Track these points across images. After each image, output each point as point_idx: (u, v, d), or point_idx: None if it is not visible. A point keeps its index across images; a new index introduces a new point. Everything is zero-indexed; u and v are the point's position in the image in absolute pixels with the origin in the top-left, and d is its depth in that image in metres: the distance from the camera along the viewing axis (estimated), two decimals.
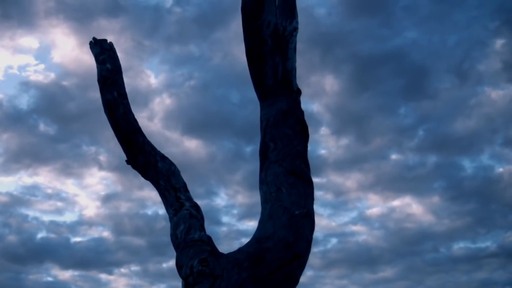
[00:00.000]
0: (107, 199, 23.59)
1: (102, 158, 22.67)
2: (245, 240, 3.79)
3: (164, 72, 24.32)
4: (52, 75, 23.71)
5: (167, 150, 4.51)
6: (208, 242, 3.72)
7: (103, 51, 4.33)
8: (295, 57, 4.42)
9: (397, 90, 22.79)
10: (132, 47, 21.97)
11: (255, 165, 4.10)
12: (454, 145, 22.72)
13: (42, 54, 25.56)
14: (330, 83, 22.98)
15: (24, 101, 25.18)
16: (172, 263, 3.79)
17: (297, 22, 4.54)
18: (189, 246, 3.69)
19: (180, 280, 3.66)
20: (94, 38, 4.42)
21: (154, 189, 4.34)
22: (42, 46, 24.37)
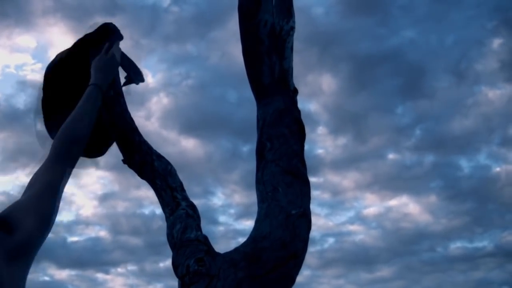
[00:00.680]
0: (104, 198, 23.59)
1: (99, 157, 22.63)
2: (242, 240, 3.79)
3: (161, 71, 24.33)
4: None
5: (164, 150, 4.50)
6: (204, 241, 3.71)
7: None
8: (292, 56, 4.41)
9: (394, 90, 22.86)
10: (129, 46, 21.92)
11: (252, 164, 4.10)
12: (451, 144, 22.79)
13: (40, 53, 25.51)
14: (327, 82, 23.02)
15: (21, 100, 25.14)
16: (168, 262, 3.79)
17: (294, 22, 4.54)
18: (185, 246, 3.69)
19: (177, 279, 3.65)
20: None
21: (151, 188, 4.33)
22: (40, 45, 24.35)
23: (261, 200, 3.85)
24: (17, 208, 2.43)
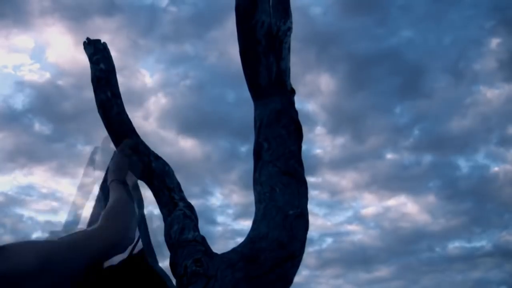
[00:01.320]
0: None
1: (98, 157, 22.61)
2: (240, 240, 3.79)
3: (159, 71, 24.32)
4: (47, 75, 23.65)
5: (162, 150, 4.51)
6: (202, 242, 3.72)
7: (97, 51, 4.32)
8: (289, 57, 4.41)
9: (392, 89, 22.87)
10: (127, 46, 21.95)
11: (251, 164, 4.10)
12: (450, 144, 22.81)
13: (37, 54, 25.49)
14: (325, 82, 23.02)
15: (19, 101, 25.12)
16: (167, 262, 3.79)
17: (291, 22, 4.54)
18: (183, 246, 3.69)
19: (174, 280, 3.65)
20: (87, 38, 4.41)
21: (149, 189, 4.33)
22: (37, 45, 24.32)
23: (258, 200, 3.85)
24: None
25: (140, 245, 3.50)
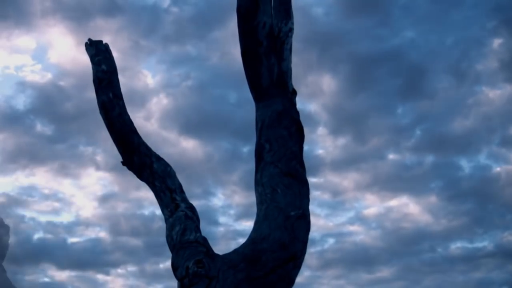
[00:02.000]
0: (104, 199, 23.72)
1: (99, 158, 22.75)
2: (242, 240, 3.81)
3: (161, 72, 24.52)
4: (49, 75, 23.86)
5: (164, 150, 4.52)
6: (203, 243, 3.72)
7: (98, 52, 4.34)
8: (291, 58, 4.43)
9: (394, 90, 22.97)
10: (129, 47, 22.04)
11: (252, 165, 4.11)
12: (452, 145, 22.94)
13: (39, 54, 25.78)
14: (327, 83, 23.11)
15: (21, 101, 25.34)
16: (169, 263, 3.80)
17: (292, 23, 4.55)
18: (184, 248, 3.70)
19: (177, 281, 3.66)
20: (89, 40, 4.42)
21: (151, 190, 4.34)
22: (39, 46, 24.57)
23: (260, 201, 3.86)
24: None
25: None
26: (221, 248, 3.78)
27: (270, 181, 3.85)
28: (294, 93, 4.33)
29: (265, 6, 4.04)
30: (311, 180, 4.00)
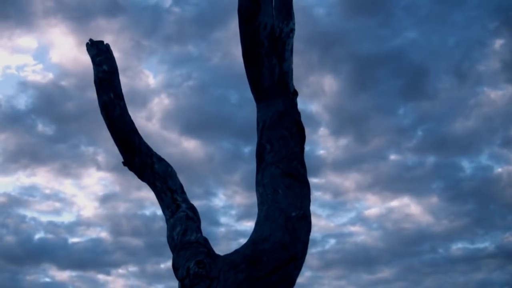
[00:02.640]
0: (105, 199, 23.60)
1: (100, 158, 22.67)
2: (243, 241, 3.80)
3: (162, 72, 24.34)
4: (50, 75, 23.71)
5: (165, 151, 4.52)
6: (204, 244, 3.72)
7: (99, 52, 4.34)
8: (292, 58, 4.42)
9: (396, 90, 22.83)
10: (130, 47, 21.98)
11: (254, 165, 4.10)
12: (453, 145, 22.77)
13: (40, 54, 25.56)
14: (329, 83, 23.01)
15: (22, 101, 25.20)
16: (170, 263, 3.80)
17: (293, 24, 4.55)
18: (185, 248, 3.70)
19: (177, 281, 3.66)
20: (90, 40, 4.43)
21: (152, 190, 4.34)
22: (41, 46, 24.37)
23: (261, 202, 3.86)
24: None
25: None
26: (222, 248, 3.77)
27: (271, 182, 3.85)
28: (295, 93, 4.33)
29: (266, 7, 4.04)
30: (312, 180, 3.99)
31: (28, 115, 22.23)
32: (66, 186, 24.50)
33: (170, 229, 3.97)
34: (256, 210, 3.93)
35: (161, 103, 23.16)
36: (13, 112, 22.15)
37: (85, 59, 4.47)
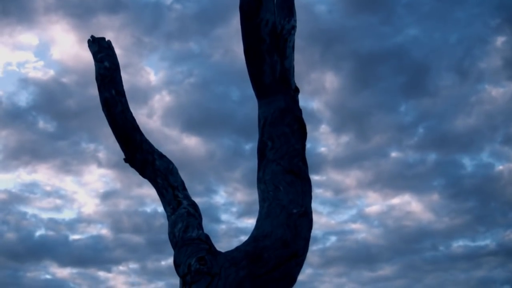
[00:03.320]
0: (106, 196, 23.62)
1: (101, 155, 22.67)
2: (244, 238, 3.80)
3: (163, 69, 24.34)
4: (52, 72, 23.70)
5: (166, 148, 4.53)
6: (205, 240, 3.72)
7: (101, 49, 4.34)
8: (293, 55, 4.42)
9: (397, 88, 22.80)
10: (131, 44, 21.97)
11: (255, 162, 4.10)
12: (454, 142, 22.74)
13: (42, 51, 25.60)
14: (330, 80, 22.99)
15: (23, 98, 25.23)
16: (171, 260, 3.79)
17: (295, 21, 4.54)
18: (187, 245, 3.69)
19: (178, 278, 3.66)
20: (92, 37, 4.42)
21: (153, 186, 4.34)
22: (42, 42, 24.39)
23: (262, 199, 3.86)
24: None
25: None
26: (223, 245, 3.77)
27: (272, 179, 3.85)
28: (296, 90, 4.32)
29: (268, 4, 4.03)
30: (314, 177, 4.00)
31: (29, 112, 22.25)
32: (67, 183, 24.54)
33: (172, 225, 3.97)
34: (257, 207, 3.94)
35: (162, 100, 23.18)
36: (14, 109, 22.18)
37: (87, 56, 4.47)
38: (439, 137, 22.69)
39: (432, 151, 23.50)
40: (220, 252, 3.66)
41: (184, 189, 4.23)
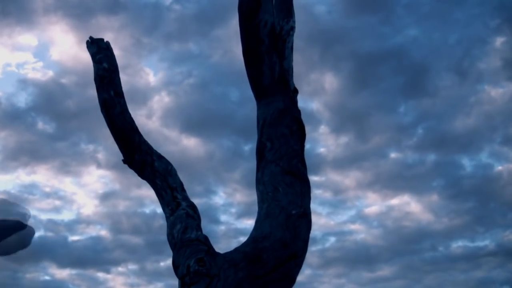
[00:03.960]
0: (105, 197, 23.62)
1: (100, 156, 22.66)
2: (243, 239, 3.80)
3: (163, 70, 24.36)
4: (51, 73, 23.70)
5: (165, 148, 4.53)
6: (204, 241, 3.71)
7: (100, 50, 4.33)
8: (292, 56, 4.42)
9: (396, 88, 22.82)
10: (131, 45, 21.98)
11: (254, 163, 4.10)
12: (454, 143, 22.76)
13: (41, 52, 25.62)
14: (329, 81, 23.00)
15: (22, 99, 25.26)
16: (170, 261, 3.79)
17: (294, 22, 4.55)
18: (185, 246, 3.69)
19: (177, 279, 3.65)
20: (91, 37, 4.42)
21: (152, 188, 4.33)
22: (41, 43, 24.41)
23: (261, 200, 3.86)
24: None
25: None
26: (222, 246, 3.77)
27: (271, 180, 3.84)
28: (295, 91, 4.32)
29: (266, 5, 4.03)
30: (313, 178, 4.00)
31: (28, 113, 22.23)
32: (66, 184, 24.54)
33: (170, 227, 3.97)
34: (256, 208, 3.93)
35: (161, 100, 23.18)
36: (13, 109, 22.17)
37: (85, 57, 4.46)
38: (438, 137, 22.72)
39: (432, 151, 23.53)
40: (219, 253, 3.65)
41: (183, 190, 4.23)
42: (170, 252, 3.88)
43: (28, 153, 22.92)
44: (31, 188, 23.75)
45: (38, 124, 22.47)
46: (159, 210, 4.26)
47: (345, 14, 22.94)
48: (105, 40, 4.44)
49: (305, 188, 3.88)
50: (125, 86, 4.37)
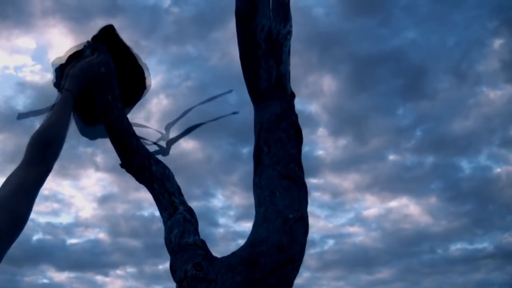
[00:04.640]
0: (103, 200, 23.61)
1: (99, 159, 22.67)
2: (242, 242, 3.80)
3: (161, 72, 24.33)
4: (49, 76, 23.65)
5: None
6: (202, 246, 3.72)
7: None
8: (289, 60, 4.42)
9: (395, 91, 22.88)
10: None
11: (252, 166, 4.11)
12: (452, 145, 22.83)
13: (39, 55, 25.60)
14: (327, 83, 23.04)
15: (21, 102, 25.21)
16: (168, 265, 3.80)
17: (291, 26, 4.55)
18: (183, 250, 3.69)
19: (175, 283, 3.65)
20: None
21: (149, 192, 4.33)
22: (39, 46, 24.41)
23: (258, 204, 3.86)
24: None
25: None
26: (220, 249, 3.77)
27: (268, 184, 3.85)
28: (292, 95, 4.32)
29: (263, 9, 4.03)
30: (311, 181, 4.02)
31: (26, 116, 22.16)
32: (65, 187, 24.55)
33: (168, 231, 3.97)
34: (254, 211, 3.93)
35: (159, 103, 23.16)
36: (11, 112, 22.11)
37: None
38: (437, 140, 22.78)
39: (430, 154, 23.59)
40: (216, 258, 3.66)
41: (181, 194, 4.22)
42: (168, 256, 3.88)
43: None
44: None
45: (36, 127, 22.43)
46: (157, 213, 4.26)
47: (344, 17, 22.99)
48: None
49: (302, 192, 3.88)
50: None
